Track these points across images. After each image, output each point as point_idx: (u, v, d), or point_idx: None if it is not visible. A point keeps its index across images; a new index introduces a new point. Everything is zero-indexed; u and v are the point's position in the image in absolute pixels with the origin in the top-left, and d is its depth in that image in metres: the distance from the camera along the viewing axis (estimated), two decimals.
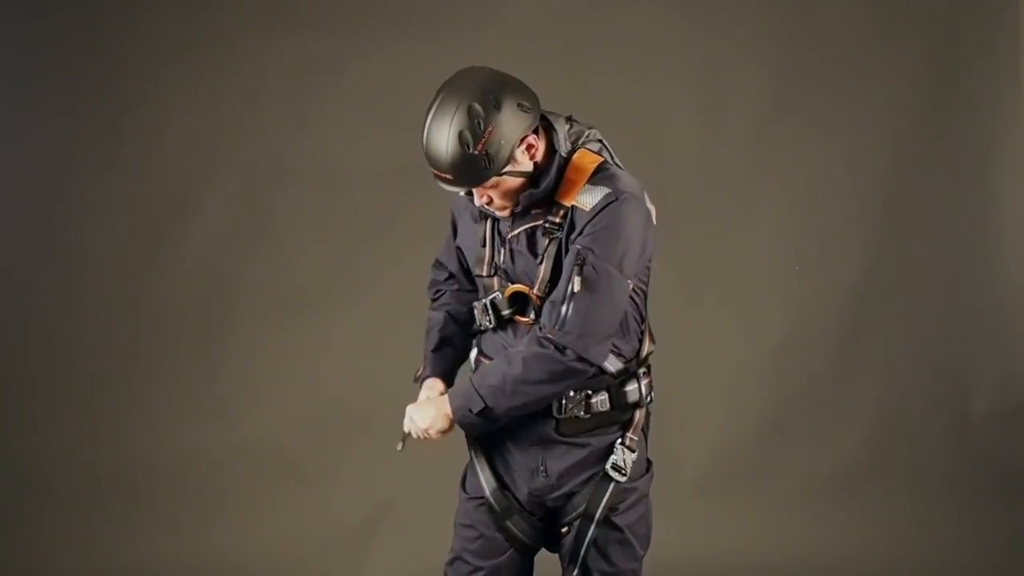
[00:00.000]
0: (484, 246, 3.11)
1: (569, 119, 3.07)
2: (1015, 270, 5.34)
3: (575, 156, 3.01)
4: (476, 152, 2.88)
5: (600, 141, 3.08)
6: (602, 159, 3.03)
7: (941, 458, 5.29)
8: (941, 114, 5.27)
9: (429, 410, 3.09)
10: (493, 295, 3.09)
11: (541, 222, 3.00)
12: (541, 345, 2.94)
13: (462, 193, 3.03)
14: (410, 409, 3.14)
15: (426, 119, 2.92)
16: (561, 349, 2.92)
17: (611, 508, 3.09)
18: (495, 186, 2.95)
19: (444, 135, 2.88)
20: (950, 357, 5.35)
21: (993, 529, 5.13)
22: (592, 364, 2.96)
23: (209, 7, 5.19)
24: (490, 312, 3.09)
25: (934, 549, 5.08)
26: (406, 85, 5.14)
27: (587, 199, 2.95)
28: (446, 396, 3.10)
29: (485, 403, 2.98)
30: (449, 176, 2.91)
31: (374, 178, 5.13)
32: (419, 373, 3.29)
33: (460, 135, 2.88)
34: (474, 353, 3.24)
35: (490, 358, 3.13)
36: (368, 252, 5.15)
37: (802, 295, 5.27)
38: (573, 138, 3.03)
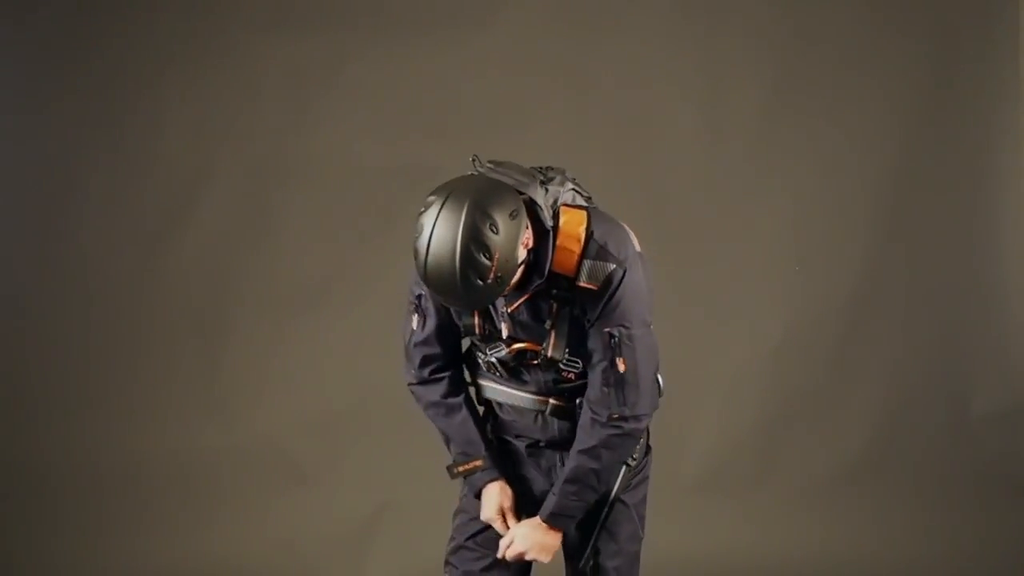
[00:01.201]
0: (473, 316, 3.03)
1: (542, 181, 2.94)
2: (1015, 270, 5.34)
3: (561, 221, 2.92)
4: (490, 282, 2.79)
5: (573, 189, 3.01)
6: (585, 212, 2.95)
7: (941, 458, 5.28)
8: (941, 114, 5.26)
9: (549, 542, 3.09)
10: (498, 352, 3.04)
11: (542, 292, 2.95)
12: (611, 427, 2.99)
13: None
14: (529, 547, 3.08)
15: (423, 258, 2.78)
16: (630, 418, 3.00)
17: (623, 488, 3.13)
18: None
19: (453, 279, 2.76)
20: (950, 357, 5.34)
21: (993, 529, 5.13)
22: (655, 409, 3.08)
23: (209, 7, 5.19)
24: (499, 368, 3.07)
25: (934, 549, 5.08)
26: (406, 85, 5.18)
27: (593, 278, 2.92)
28: (549, 527, 3.07)
29: (587, 505, 3.06)
30: (464, 306, 2.90)
31: (374, 178, 5.13)
32: (462, 469, 3.16)
33: (470, 276, 2.76)
34: (467, 374, 3.21)
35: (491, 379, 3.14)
36: (368, 252, 5.15)
37: (802, 295, 5.27)
38: (551, 201, 2.93)
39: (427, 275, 2.79)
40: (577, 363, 3.01)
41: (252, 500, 5.15)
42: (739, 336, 5.25)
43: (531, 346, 3.01)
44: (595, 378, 2.98)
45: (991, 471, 5.26)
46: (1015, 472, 5.26)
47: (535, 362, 3.03)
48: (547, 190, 2.94)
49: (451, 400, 3.14)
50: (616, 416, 2.98)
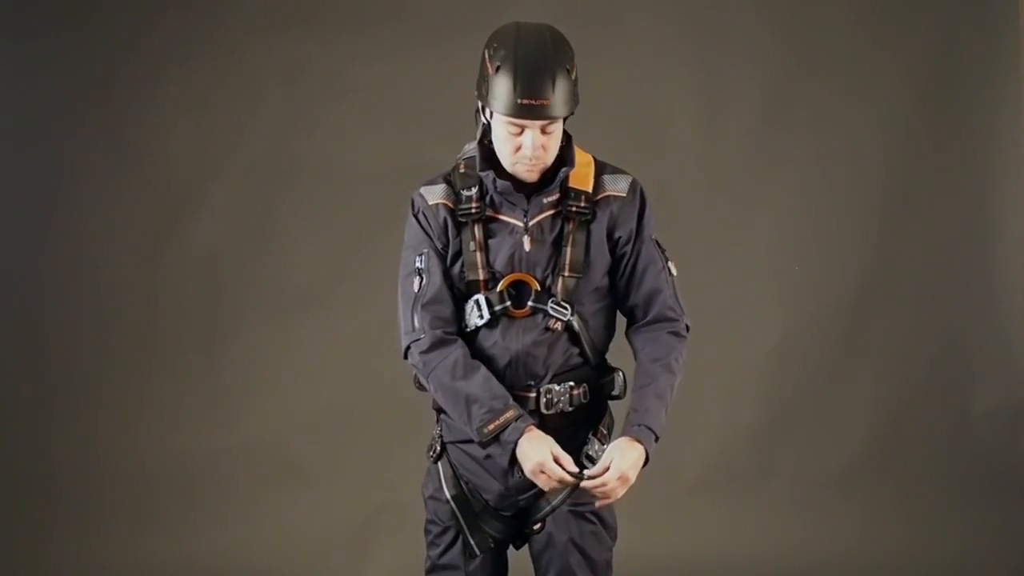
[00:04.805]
0: (476, 251, 3.01)
1: None
2: (1015, 270, 5.34)
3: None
4: (574, 78, 2.95)
5: None
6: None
7: (941, 458, 5.29)
8: (940, 114, 5.27)
9: (639, 463, 2.93)
10: (487, 292, 3.01)
11: (560, 209, 3.02)
12: (680, 336, 3.10)
13: (535, 131, 2.92)
14: (630, 466, 2.90)
15: (513, 52, 2.92)
16: (687, 327, 3.13)
17: (584, 503, 3.03)
18: (553, 131, 2.96)
19: (549, 58, 2.92)
20: (950, 357, 5.34)
21: (993, 529, 5.14)
22: None
23: (210, 8, 5.20)
24: (483, 307, 3.01)
25: (934, 549, 5.09)
26: (406, 85, 5.18)
27: (619, 186, 3.07)
28: (638, 445, 2.91)
29: (663, 422, 3.00)
30: (546, 101, 2.90)
31: (375, 178, 5.13)
32: (493, 426, 2.90)
33: (563, 59, 2.93)
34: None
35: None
36: (369, 252, 5.15)
37: (802, 295, 5.28)
38: None
39: (526, 60, 2.90)
40: (566, 309, 3.00)
41: (252, 500, 5.15)
42: (738, 336, 5.25)
43: (526, 277, 3.01)
44: (649, 287, 3.08)
45: (991, 471, 5.26)
46: (1015, 472, 5.27)
47: (522, 309, 2.99)
48: None
49: (469, 361, 2.98)
50: (686, 324, 3.11)
